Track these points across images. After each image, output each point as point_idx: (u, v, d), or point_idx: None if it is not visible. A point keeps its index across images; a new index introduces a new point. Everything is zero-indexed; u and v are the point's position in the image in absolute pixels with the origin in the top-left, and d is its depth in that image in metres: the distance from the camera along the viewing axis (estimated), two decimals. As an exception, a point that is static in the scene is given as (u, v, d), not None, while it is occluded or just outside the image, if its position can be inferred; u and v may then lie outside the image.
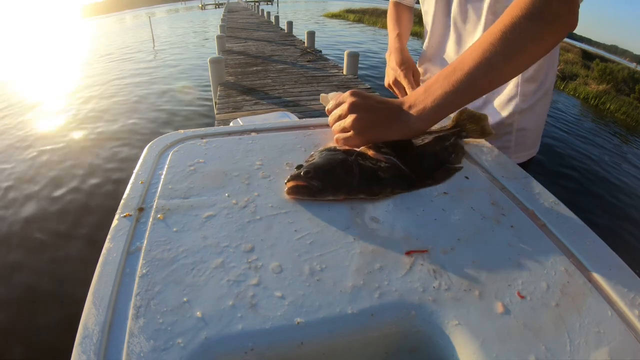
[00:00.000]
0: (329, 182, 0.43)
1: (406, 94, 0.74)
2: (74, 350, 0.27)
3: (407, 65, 0.76)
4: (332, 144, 0.54)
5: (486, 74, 0.46)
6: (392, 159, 0.48)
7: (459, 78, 0.47)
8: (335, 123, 0.53)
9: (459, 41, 0.75)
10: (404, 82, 0.74)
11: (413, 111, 0.50)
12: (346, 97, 0.52)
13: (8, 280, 2.38)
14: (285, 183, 0.44)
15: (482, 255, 0.36)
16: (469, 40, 0.73)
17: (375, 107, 0.51)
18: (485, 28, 0.68)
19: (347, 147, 0.51)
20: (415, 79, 0.75)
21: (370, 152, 0.49)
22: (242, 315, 0.30)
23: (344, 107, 0.52)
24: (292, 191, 0.43)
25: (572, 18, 0.45)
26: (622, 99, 8.98)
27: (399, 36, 0.83)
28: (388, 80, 0.80)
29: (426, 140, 0.53)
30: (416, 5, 0.92)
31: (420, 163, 0.49)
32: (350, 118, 0.50)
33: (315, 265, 0.34)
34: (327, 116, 0.58)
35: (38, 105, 5.92)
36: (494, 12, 0.67)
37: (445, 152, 0.53)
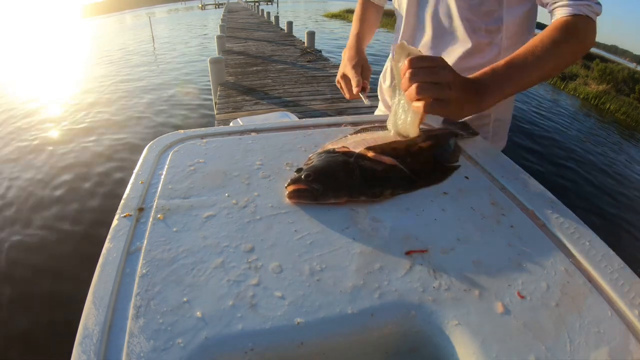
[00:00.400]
0: (330, 184, 0.43)
1: (350, 92, 0.73)
2: (74, 350, 0.27)
3: (357, 61, 0.74)
4: (330, 146, 0.53)
5: (540, 79, 0.58)
6: (393, 160, 0.48)
7: (523, 76, 0.56)
8: (418, 78, 0.47)
9: (437, 40, 0.74)
10: (350, 74, 0.72)
11: (488, 94, 0.54)
12: (438, 59, 0.48)
13: (7, 281, 2.38)
14: (286, 187, 0.43)
15: (482, 255, 0.36)
16: (447, 40, 0.73)
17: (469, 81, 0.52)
18: (464, 27, 0.69)
19: (345, 149, 0.49)
20: (364, 74, 0.72)
21: (370, 154, 0.48)
22: (242, 315, 0.30)
23: (440, 65, 0.48)
24: (293, 195, 0.42)
25: (594, 40, 0.59)
26: (622, 99, 8.98)
27: (358, 35, 0.82)
28: (338, 76, 0.78)
29: (422, 141, 0.53)
30: (388, 3, 0.90)
31: (419, 163, 0.49)
32: (454, 79, 0.49)
33: (315, 265, 0.34)
34: (326, 116, 0.58)
35: (38, 105, 5.93)
36: (468, 17, 0.68)
37: (443, 151, 0.53)
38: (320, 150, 0.52)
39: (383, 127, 0.59)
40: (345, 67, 0.75)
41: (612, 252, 0.37)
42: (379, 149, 0.49)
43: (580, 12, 0.56)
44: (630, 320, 0.31)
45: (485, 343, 0.28)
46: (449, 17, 0.71)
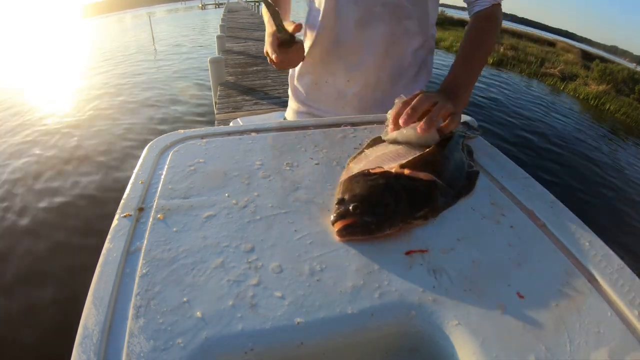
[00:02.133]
0: (382, 214, 0.38)
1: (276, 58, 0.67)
2: (74, 350, 0.27)
3: (270, 34, 0.68)
4: (353, 165, 0.49)
5: (484, 63, 0.71)
6: (430, 175, 0.44)
7: (475, 68, 0.68)
8: (415, 114, 0.51)
9: (362, 26, 0.72)
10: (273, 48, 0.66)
11: (462, 96, 0.62)
12: (422, 98, 0.52)
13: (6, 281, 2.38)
14: (333, 224, 0.38)
15: (482, 255, 0.36)
16: (374, 25, 0.72)
17: (457, 92, 0.60)
18: (389, 13, 0.71)
19: (381, 170, 0.46)
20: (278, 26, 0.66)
21: (406, 171, 0.44)
22: (242, 315, 0.30)
23: (430, 100, 0.52)
24: (346, 232, 0.37)
25: None
26: (622, 100, 8.98)
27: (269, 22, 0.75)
28: (267, 54, 0.70)
29: (441, 148, 0.51)
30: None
31: (450, 173, 0.47)
32: (448, 103, 0.53)
33: (315, 265, 0.34)
34: (325, 117, 0.57)
35: (39, 104, 5.92)
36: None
37: (462, 156, 0.51)
38: (346, 174, 0.47)
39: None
40: (266, 42, 0.69)
41: (612, 252, 0.37)
42: (413, 164, 0.46)
43: (497, 1, 0.69)
44: (630, 320, 0.31)
45: (485, 343, 0.28)
46: (376, 1, 0.70)
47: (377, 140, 0.56)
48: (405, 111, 0.51)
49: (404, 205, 0.40)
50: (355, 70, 0.76)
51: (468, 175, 0.49)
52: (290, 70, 0.89)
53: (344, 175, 0.47)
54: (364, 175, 0.44)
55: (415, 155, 0.48)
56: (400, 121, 0.51)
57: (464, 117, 0.65)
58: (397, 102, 0.54)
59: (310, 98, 0.85)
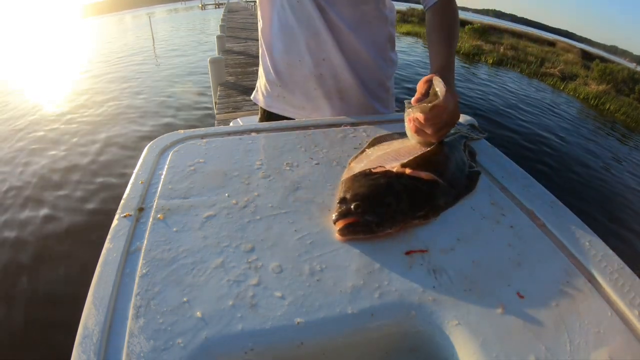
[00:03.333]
0: (383, 213, 0.38)
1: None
2: (74, 350, 0.27)
3: None
4: (355, 165, 0.49)
5: (455, 46, 0.70)
6: (431, 175, 0.44)
7: (453, 53, 0.67)
8: (444, 130, 0.51)
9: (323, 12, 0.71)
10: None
11: (452, 83, 0.61)
12: (443, 107, 0.50)
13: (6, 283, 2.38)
14: (334, 222, 0.38)
15: (482, 255, 0.36)
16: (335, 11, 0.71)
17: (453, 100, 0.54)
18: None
19: (382, 169, 0.46)
20: None
21: (408, 171, 0.44)
22: (242, 315, 0.30)
23: (446, 115, 0.50)
24: (347, 232, 0.37)
25: None
26: (622, 100, 8.98)
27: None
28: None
29: (442, 148, 0.52)
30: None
31: (451, 173, 0.47)
32: (456, 112, 0.52)
33: (315, 265, 0.34)
34: (326, 117, 0.57)
35: (40, 104, 5.92)
36: None
37: (463, 156, 0.52)
38: (348, 173, 0.47)
39: (393, 135, 0.57)
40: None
41: (612, 252, 0.37)
42: (414, 163, 0.46)
43: None
44: (630, 320, 0.31)
45: (485, 343, 0.28)
46: None
47: (379, 140, 0.56)
48: (422, 124, 0.50)
49: (405, 204, 0.40)
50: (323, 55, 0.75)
51: (469, 175, 0.49)
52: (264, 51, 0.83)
53: (346, 175, 0.47)
54: (366, 174, 0.44)
55: (416, 155, 0.48)
56: (413, 130, 0.51)
57: (466, 117, 0.65)
58: (417, 106, 0.51)
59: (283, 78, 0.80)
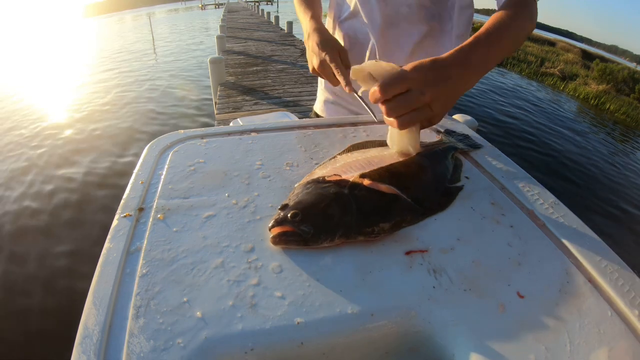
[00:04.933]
0: (322, 224, 0.36)
1: (335, 79, 0.63)
2: (74, 350, 0.27)
3: (331, 46, 0.64)
4: (318, 172, 0.46)
5: (512, 50, 0.59)
6: (392, 189, 0.41)
7: (495, 47, 0.54)
8: (397, 105, 0.45)
9: (389, 26, 0.71)
10: (332, 66, 0.62)
11: (472, 71, 0.51)
12: (406, 75, 0.45)
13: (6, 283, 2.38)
14: (270, 229, 0.37)
15: (482, 255, 0.36)
16: (402, 26, 0.71)
17: (449, 74, 0.47)
18: (418, 13, 0.70)
19: (337, 177, 0.43)
20: (343, 59, 0.63)
21: (366, 182, 0.41)
22: (242, 315, 0.30)
23: (413, 86, 0.45)
24: (279, 240, 0.36)
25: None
26: (622, 99, 8.98)
27: (314, 17, 0.72)
28: (312, 64, 0.67)
29: (421, 160, 0.48)
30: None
31: (420, 188, 0.44)
32: (430, 96, 0.45)
33: (315, 265, 0.34)
34: (326, 117, 0.57)
35: (40, 104, 5.93)
36: None
37: (444, 170, 0.48)
38: (306, 179, 0.45)
39: (375, 142, 0.54)
40: (321, 56, 0.63)
41: (612, 252, 0.37)
42: (376, 174, 0.43)
43: None
44: (630, 320, 0.31)
45: (485, 343, 0.28)
46: (403, 2, 0.70)
47: (356, 146, 0.53)
48: (373, 89, 0.45)
49: (352, 217, 0.37)
50: None
51: (447, 190, 0.45)
52: None
53: (303, 180, 0.45)
54: (317, 182, 0.42)
55: (386, 166, 0.45)
56: (371, 98, 0.46)
57: (466, 118, 0.64)
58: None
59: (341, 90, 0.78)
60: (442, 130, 0.60)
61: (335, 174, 0.44)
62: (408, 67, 0.46)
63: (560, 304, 0.32)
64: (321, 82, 0.92)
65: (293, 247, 0.36)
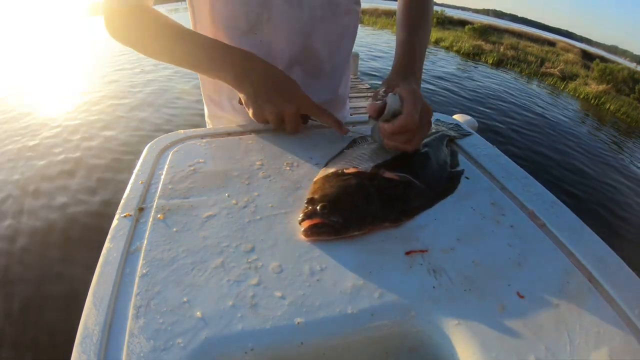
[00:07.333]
0: (350, 215, 0.38)
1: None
2: (74, 350, 0.27)
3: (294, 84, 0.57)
4: (332, 166, 0.48)
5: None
6: (407, 177, 0.44)
7: (422, 53, 0.62)
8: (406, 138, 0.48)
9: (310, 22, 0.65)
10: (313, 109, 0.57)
11: (419, 78, 0.58)
12: (414, 122, 0.46)
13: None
14: (300, 222, 0.38)
15: (482, 255, 0.36)
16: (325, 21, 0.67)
17: (419, 92, 0.50)
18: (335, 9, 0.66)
19: (355, 170, 0.45)
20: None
21: (382, 172, 0.45)
22: (242, 315, 0.30)
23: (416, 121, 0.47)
24: (311, 232, 0.37)
25: None
26: (622, 99, 8.98)
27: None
28: (278, 114, 0.55)
29: (422, 149, 0.51)
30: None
31: (429, 174, 0.47)
32: (427, 118, 0.49)
33: (315, 265, 0.34)
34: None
35: (41, 103, 5.93)
36: None
37: (445, 156, 0.52)
38: (322, 173, 0.47)
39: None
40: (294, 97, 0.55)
41: (612, 252, 0.37)
42: (388, 164, 0.46)
43: None
44: (631, 320, 0.31)
45: (485, 343, 0.28)
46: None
47: (359, 140, 0.56)
48: (392, 130, 0.47)
49: (376, 206, 0.40)
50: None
51: (450, 176, 0.48)
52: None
53: (319, 175, 0.47)
54: (337, 175, 0.44)
55: (393, 155, 0.48)
56: (386, 140, 0.48)
57: (466, 118, 0.65)
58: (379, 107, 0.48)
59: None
60: (433, 121, 0.62)
61: (353, 167, 0.46)
62: (408, 108, 0.46)
63: (560, 304, 0.32)
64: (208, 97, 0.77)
65: (324, 238, 0.37)
